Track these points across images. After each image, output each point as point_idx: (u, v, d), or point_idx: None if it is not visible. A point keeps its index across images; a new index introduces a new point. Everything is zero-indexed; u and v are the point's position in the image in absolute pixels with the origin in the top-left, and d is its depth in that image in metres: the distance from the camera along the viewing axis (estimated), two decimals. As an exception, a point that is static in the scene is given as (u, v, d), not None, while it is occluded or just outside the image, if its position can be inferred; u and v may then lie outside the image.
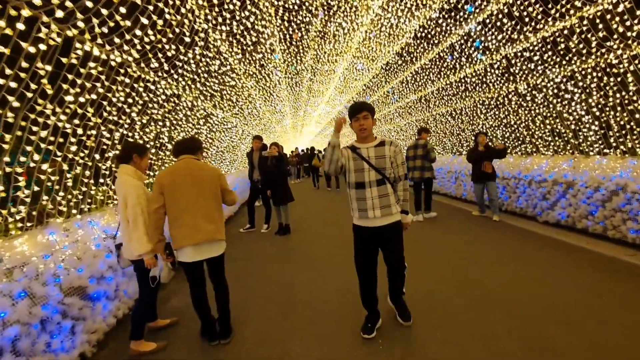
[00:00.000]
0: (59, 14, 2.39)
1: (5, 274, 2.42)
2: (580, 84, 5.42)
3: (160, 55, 3.59)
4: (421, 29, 7.31)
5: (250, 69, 7.00)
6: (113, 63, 3.05)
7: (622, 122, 5.13)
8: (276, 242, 5.77)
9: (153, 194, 2.48)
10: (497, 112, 7.80)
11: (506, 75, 6.64)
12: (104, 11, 2.74)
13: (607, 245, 4.69)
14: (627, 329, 2.55)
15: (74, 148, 3.10)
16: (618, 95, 4.95)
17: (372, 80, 11.63)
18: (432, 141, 11.87)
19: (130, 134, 4.01)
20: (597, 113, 5.41)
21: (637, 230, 4.44)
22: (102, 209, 4.02)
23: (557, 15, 4.73)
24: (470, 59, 7.14)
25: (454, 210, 7.22)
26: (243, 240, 6.08)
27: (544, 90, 6.11)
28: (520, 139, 7.34)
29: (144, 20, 3.14)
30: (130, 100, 3.62)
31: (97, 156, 3.55)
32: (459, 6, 6.04)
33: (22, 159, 2.59)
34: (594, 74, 5.09)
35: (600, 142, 5.61)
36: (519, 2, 5.12)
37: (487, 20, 5.73)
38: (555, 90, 5.94)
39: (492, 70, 6.86)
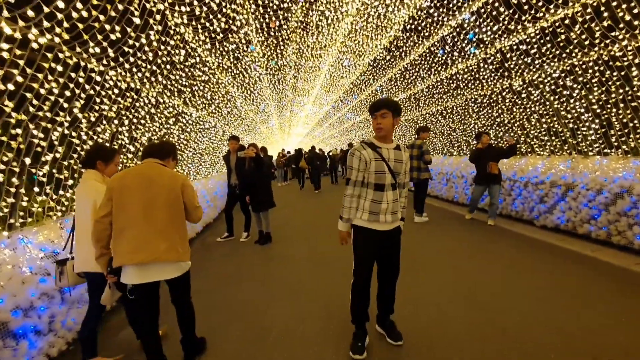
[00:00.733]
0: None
1: None
2: (580, 79, 5.06)
3: (100, 37, 3.00)
4: (411, 20, 6.86)
5: (225, 62, 6.37)
6: (35, 45, 2.46)
7: (624, 120, 4.79)
8: (255, 253, 5.21)
9: (102, 200, 2.09)
10: (489, 111, 7.44)
11: (500, 70, 6.26)
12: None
13: (613, 252, 4.35)
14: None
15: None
16: (621, 90, 4.61)
17: (359, 78, 11.16)
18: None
19: (74, 134, 3.40)
20: (598, 110, 5.06)
21: (646, 236, 4.09)
22: (40, 223, 3.40)
23: (560, 1, 4.33)
24: (462, 53, 6.73)
25: (445, 214, 6.83)
26: (219, 251, 5.50)
27: (541, 86, 5.75)
28: (515, 138, 6.98)
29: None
30: (68, 93, 3.02)
31: (27, 160, 2.94)
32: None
33: None
34: (596, 67, 4.74)
35: (600, 141, 5.27)
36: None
37: (482, 10, 5.31)
38: (553, 87, 5.58)
39: (486, 66, 6.47)
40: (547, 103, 5.88)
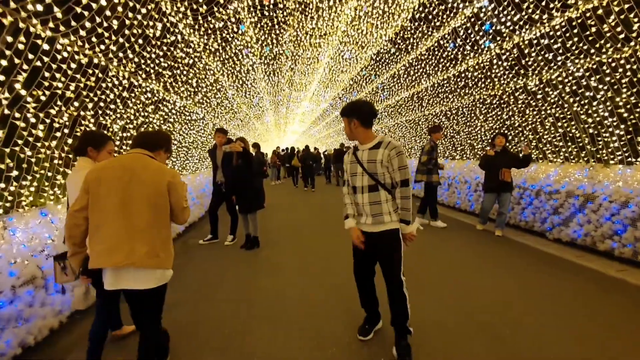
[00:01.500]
0: None
1: None
2: (608, 78, 4.57)
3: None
4: (421, 7, 6.29)
5: (211, 44, 5.70)
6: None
7: (655, 126, 4.32)
8: (239, 260, 4.64)
9: (79, 192, 1.88)
10: (499, 113, 6.93)
11: (516, 68, 5.74)
12: None
13: (641, 273, 3.85)
14: None
15: None
16: (655, 92, 4.12)
17: (359, 74, 10.58)
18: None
19: (18, 115, 2.78)
20: (625, 114, 4.58)
21: (683, 258, 3.61)
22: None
23: (598, -15, 3.82)
24: (475, 48, 6.18)
25: (446, 221, 6.33)
26: (199, 256, 4.91)
27: (560, 86, 5.24)
28: (525, 143, 6.49)
29: None
30: (4, 62, 2.40)
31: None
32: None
33: None
34: (627, 66, 4.24)
35: (625, 148, 4.79)
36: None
37: (505, -4, 4.75)
38: (574, 87, 5.08)
39: (500, 63, 5.94)
40: (566, 105, 5.38)
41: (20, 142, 2.95)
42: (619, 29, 3.98)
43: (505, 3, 4.81)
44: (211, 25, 5.21)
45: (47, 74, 2.84)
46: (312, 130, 30.83)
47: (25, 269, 2.65)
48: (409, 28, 7.02)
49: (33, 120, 2.96)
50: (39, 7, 2.46)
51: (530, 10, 4.61)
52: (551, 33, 4.75)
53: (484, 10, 5.24)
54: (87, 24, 2.90)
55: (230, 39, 6.00)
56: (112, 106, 3.94)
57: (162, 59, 4.56)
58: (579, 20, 4.34)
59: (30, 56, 2.62)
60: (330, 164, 15.00)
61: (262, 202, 5.29)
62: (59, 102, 3.12)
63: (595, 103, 4.93)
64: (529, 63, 5.42)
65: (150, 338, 1.97)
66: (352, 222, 2.36)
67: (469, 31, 5.89)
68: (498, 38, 5.50)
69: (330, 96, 14.69)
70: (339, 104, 16.64)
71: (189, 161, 8.80)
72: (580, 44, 4.51)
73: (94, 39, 3.16)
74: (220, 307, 3.16)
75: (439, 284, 3.57)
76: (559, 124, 5.65)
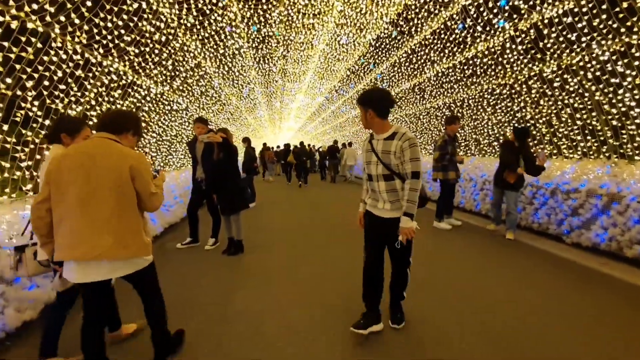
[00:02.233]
0: None
1: None
2: (637, 63, 4.02)
3: None
4: (428, -18, 5.68)
5: (186, 17, 4.96)
6: None
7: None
8: (220, 267, 4.06)
9: (40, 184, 1.92)
10: (509, 104, 6.36)
11: (532, 52, 5.16)
12: None
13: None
14: None
15: None
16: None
17: (357, 62, 9.92)
18: (424, 139, 10.46)
19: None
20: (658, 103, 4.04)
21: None
22: None
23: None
24: (487, 28, 5.55)
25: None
26: (176, 261, 4.32)
27: (581, 72, 4.69)
28: (538, 137, 5.95)
29: None
30: None
31: None
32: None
33: None
34: (666, 46, 3.69)
35: (656, 142, 4.26)
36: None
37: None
38: (598, 73, 4.52)
39: (514, 46, 5.35)
40: (586, 94, 4.83)
41: None
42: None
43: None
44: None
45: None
46: (308, 127, 30.23)
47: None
48: (413, 7, 6.38)
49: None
50: None
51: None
52: (576, 10, 4.17)
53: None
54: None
55: (208, 12, 5.28)
56: (62, 87, 3.28)
57: (123, 31, 3.88)
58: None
59: None
60: (325, 161, 15.21)
61: (247, 201, 4.69)
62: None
63: (621, 91, 4.38)
64: (547, 46, 4.84)
65: (153, 305, 2.04)
66: (361, 207, 2.53)
67: (482, 9, 5.27)
68: (515, 16, 4.89)
69: (326, 88, 14.04)
70: (335, 97, 16.01)
71: (173, 156, 8.15)
72: (610, 22, 3.94)
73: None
74: (190, 328, 2.55)
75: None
76: (578, 115, 5.10)
